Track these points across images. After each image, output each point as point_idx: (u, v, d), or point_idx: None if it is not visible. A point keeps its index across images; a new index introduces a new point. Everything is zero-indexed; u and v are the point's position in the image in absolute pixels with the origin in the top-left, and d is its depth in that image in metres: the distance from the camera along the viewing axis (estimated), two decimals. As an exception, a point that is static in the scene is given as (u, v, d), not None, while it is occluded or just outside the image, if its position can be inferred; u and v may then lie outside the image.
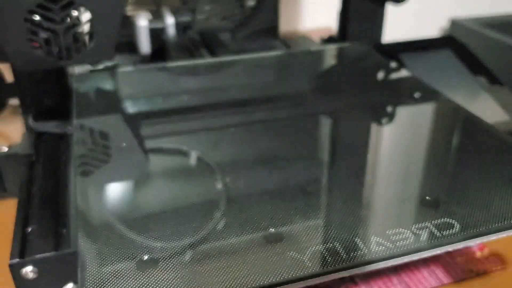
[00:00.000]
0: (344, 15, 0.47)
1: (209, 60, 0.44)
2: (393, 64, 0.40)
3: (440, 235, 0.22)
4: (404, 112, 0.35)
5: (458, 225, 0.22)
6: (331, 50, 0.47)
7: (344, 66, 0.44)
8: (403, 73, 0.39)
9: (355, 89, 0.37)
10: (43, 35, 0.30)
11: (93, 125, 0.31)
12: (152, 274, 0.20)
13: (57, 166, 0.31)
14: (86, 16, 0.30)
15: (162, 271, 0.20)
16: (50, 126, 0.35)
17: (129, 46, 0.52)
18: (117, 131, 0.31)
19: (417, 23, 0.75)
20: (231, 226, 0.23)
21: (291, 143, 0.30)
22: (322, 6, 0.72)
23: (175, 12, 0.52)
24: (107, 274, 0.20)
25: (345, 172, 0.27)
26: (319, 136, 0.33)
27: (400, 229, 0.22)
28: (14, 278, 0.23)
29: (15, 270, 0.23)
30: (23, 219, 0.26)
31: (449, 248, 0.22)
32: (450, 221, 0.23)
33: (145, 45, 0.48)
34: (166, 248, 0.21)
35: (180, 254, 0.21)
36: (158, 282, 0.20)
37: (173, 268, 0.20)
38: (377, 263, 0.21)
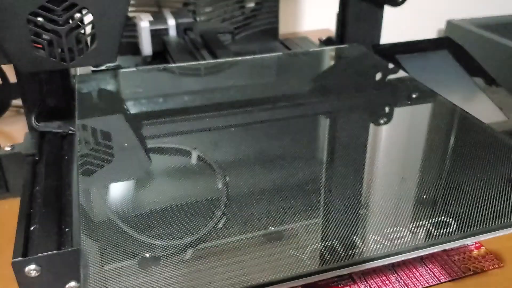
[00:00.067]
0: (343, 17, 0.48)
1: (210, 61, 0.44)
2: (391, 65, 0.41)
3: (437, 233, 0.22)
4: (401, 113, 0.35)
5: (455, 223, 0.23)
6: (329, 51, 0.47)
7: (343, 67, 0.44)
8: (401, 74, 0.40)
9: (353, 90, 0.38)
10: (46, 36, 0.30)
11: (96, 125, 0.31)
12: (154, 272, 0.20)
13: (60, 166, 0.31)
14: (88, 18, 0.31)
15: (164, 269, 0.21)
16: (53, 126, 0.35)
17: (131, 47, 0.53)
18: (119, 131, 0.31)
19: (414, 25, 0.75)
20: (231, 224, 0.23)
21: (290, 142, 0.31)
22: (321, 8, 0.73)
23: (176, 14, 0.52)
24: (109, 272, 0.20)
25: (344, 171, 0.28)
26: (318, 136, 0.33)
27: (398, 227, 0.23)
28: (17, 277, 0.23)
29: (18, 268, 0.23)
30: (26, 218, 0.26)
31: (446, 246, 0.22)
32: (447, 220, 0.23)
33: (146, 46, 0.49)
34: (168, 246, 0.22)
35: (181, 252, 0.21)
36: (160, 280, 0.20)
37: (174, 266, 0.21)
38: (375, 261, 0.21)
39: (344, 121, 0.35)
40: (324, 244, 0.22)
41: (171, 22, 0.50)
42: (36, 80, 0.35)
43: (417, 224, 0.23)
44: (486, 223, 0.23)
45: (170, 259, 0.21)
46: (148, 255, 0.21)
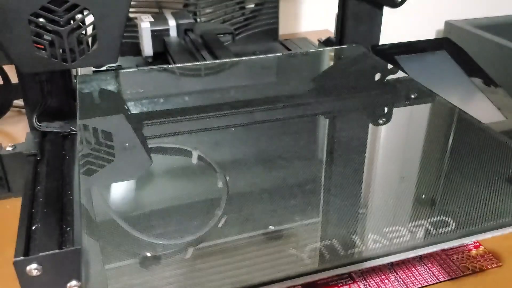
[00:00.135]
0: (342, 18, 0.48)
1: (210, 61, 0.44)
2: (390, 66, 0.41)
3: (436, 233, 0.22)
4: (400, 113, 0.35)
5: (454, 223, 0.23)
6: (329, 52, 0.47)
7: (342, 68, 0.44)
8: (400, 74, 0.40)
9: (353, 90, 0.38)
10: (47, 37, 0.31)
11: (97, 125, 0.31)
12: (155, 271, 0.21)
13: (61, 166, 0.32)
14: (89, 18, 0.31)
15: (164, 268, 0.21)
16: (54, 126, 0.35)
17: (132, 48, 0.53)
18: (120, 131, 0.31)
19: (413, 26, 0.75)
20: (231, 223, 0.23)
21: (290, 142, 0.31)
22: (320, 9, 0.73)
23: (176, 15, 0.52)
24: (110, 271, 0.20)
25: (343, 171, 0.28)
26: (318, 136, 0.33)
27: (397, 227, 0.23)
28: (19, 276, 0.23)
29: (19, 267, 0.23)
30: (27, 217, 0.26)
31: (445, 245, 0.22)
32: (446, 219, 0.23)
33: (147, 47, 0.49)
34: (169, 245, 0.22)
35: (182, 251, 0.22)
36: (161, 279, 0.20)
37: (175, 265, 0.21)
38: (374, 260, 0.21)
39: (344, 122, 0.35)
40: (324, 243, 0.22)
41: (172, 23, 0.50)
42: (37, 81, 0.35)
43: (416, 224, 0.23)
44: (484, 223, 0.23)
45: (171, 258, 0.21)
46: (149, 254, 0.21)
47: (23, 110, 0.44)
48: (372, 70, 0.41)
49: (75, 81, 0.38)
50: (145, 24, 0.49)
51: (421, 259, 0.29)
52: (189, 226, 0.23)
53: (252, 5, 0.60)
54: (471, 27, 0.68)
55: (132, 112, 0.34)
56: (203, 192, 0.26)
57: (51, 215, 0.26)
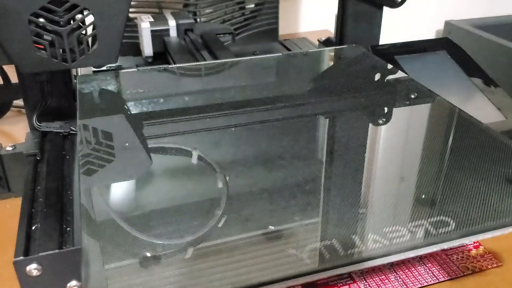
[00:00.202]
0: (342, 18, 0.48)
1: (210, 62, 0.44)
2: (390, 66, 0.41)
3: (436, 233, 0.22)
4: (400, 113, 0.35)
5: (454, 223, 0.23)
6: (329, 52, 0.47)
7: (342, 68, 0.44)
8: (400, 74, 0.40)
9: (353, 90, 0.38)
10: (47, 37, 0.31)
11: (97, 125, 0.31)
12: (155, 271, 0.21)
13: (61, 166, 0.32)
14: (90, 19, 0.31)
15: (165, 267, 0.21)
16: (54, 126, 0.35)
17: (132, 48, 0.53)
18: (120, 131, 0.31)
19: (413, 26, 0.76)
20: (231, 223, 0.23)
21: (290, 142, 0.31)
22: (320, 9, 0.73)
23: (176, 15, 0.52)
24: (110, 271, 0.20)
25: (343, 171, 0.28)
26: (317, 136, 0.33)
27: (397, 227, 0.23)
28: (19, 276, 0.23)
29: (19, 267, 0.23)
30: (27, 217, 0.26)
31: (445, 245, 0.22)
32: (446, 219, 0.23)
33: (147, 47, 0.49)
34: (168, 245, 0.22)
35: (182, 251, 0.22)
36: (161, 279, 0.20)
37: (175, 265, 0.21)
38: (374, 260, 0.21)
39: (344, 122, 0.35)
40: (324, 243, 0.22)
41: (172, 23, 0.50)
42: (37, 81, 0.36)
43: (416, 224, 0.23)
44: (484, 223, 0.23)
45: (171, 258, 0.21)
46: (148, 254, 0.21)
47: (23, 110, 0.44)
48: (372, 70, 0.42)
49: (75, 81, 0.38)
50: (145, 24, 0.49)
51: (421, 259, 0.29)
52: (189, 226, 0.23)
53: (252, 5, 0.60)
54: (471, 27, 0.69)
55: (132, 112, 0.34)
56: (203, 192, 0.26)
57: (51, 215, 0.26)
